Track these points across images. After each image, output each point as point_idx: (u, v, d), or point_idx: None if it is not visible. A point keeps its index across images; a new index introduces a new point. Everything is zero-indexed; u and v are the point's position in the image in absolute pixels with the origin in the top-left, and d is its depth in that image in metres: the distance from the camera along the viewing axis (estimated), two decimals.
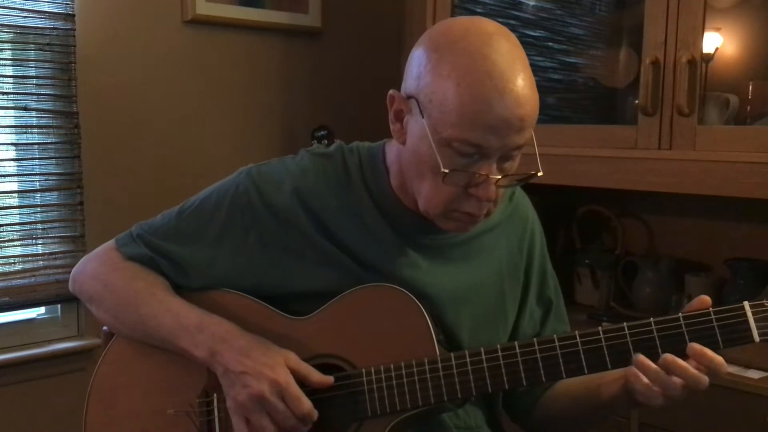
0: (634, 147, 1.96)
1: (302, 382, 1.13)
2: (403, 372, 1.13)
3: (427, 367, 1.12)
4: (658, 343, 1.07)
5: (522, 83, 1.03)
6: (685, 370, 1.03)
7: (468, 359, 1.12)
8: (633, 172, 1.96)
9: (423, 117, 1.07)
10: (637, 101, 1.98)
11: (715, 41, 2.01)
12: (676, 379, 1.04)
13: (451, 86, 1.03)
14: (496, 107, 1.02)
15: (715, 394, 1.76)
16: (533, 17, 2.35)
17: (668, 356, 1.04)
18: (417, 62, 1.09)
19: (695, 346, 1.04)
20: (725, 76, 2.06)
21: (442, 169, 1.05)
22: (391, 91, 1.13)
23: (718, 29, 2.01)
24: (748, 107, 1.99)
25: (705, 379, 1.04)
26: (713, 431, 1.78)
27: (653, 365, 1.05)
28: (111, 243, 1.30)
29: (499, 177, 1.07)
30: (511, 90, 1.02)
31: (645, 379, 1.06)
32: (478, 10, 2.37)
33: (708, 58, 1.97)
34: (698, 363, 1.04)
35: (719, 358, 1.04)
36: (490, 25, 1.08)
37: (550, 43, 2.33)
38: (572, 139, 2.11)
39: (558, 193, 2.08)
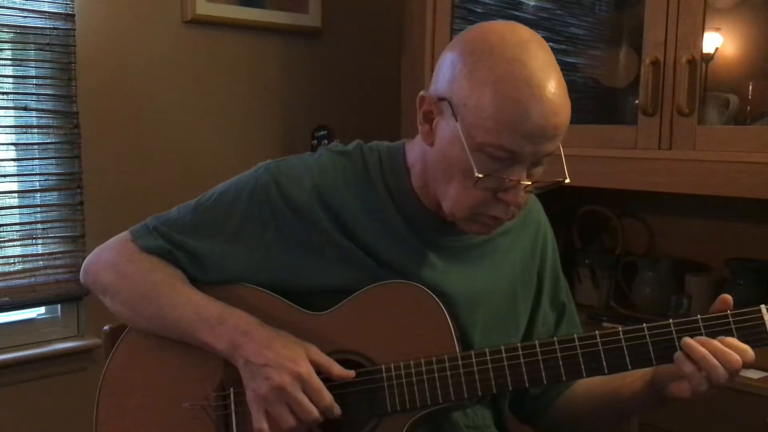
0: (634, 147, 1.96)
1: (323, 375, 1.13)
2: (423, 368, 1.13)
3: (447, 364, 1.12)
4: (677, 344, 1.08)
5: (557, 91, 1.04)
6: (726, 353, 1.04)
7: (488, 357, 1.12)
8: (633, 172, 1.96)
9: (456, 120, 1.06)
10: (637, 101, 1.97)
11: (715, 41, 2.00)
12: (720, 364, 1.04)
13: (488, 92, 1.03)
14: (533, 115, 1.02)
15: (715, 394, 1.76)
16: (533, 17, 2.35)
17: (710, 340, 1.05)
18: (450, 65, 1.08)
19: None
20: (725, 76, 2.06)
21: (476, 174, 1.05)
22: (421, 93, 1.12)
23: (718, 29, 2.01)
24: (748, 107, 1.98)
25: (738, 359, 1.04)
26: (713, 431, 1.78)
27: (702, 347, 1.05)
28: (126, 234, 1.28)
29: (529, 183, 1.08)
30: (548, 98, 1.03)
31: (690, 365, 1.06)
32: (478, 10, 2.37)
33: (708, 58, 1.97)
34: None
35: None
36: (524, 32, 1.08)
37: (550, 43, 2.29)
38: (572, 139, 2.07)
39: (558, 193, 2.07)
